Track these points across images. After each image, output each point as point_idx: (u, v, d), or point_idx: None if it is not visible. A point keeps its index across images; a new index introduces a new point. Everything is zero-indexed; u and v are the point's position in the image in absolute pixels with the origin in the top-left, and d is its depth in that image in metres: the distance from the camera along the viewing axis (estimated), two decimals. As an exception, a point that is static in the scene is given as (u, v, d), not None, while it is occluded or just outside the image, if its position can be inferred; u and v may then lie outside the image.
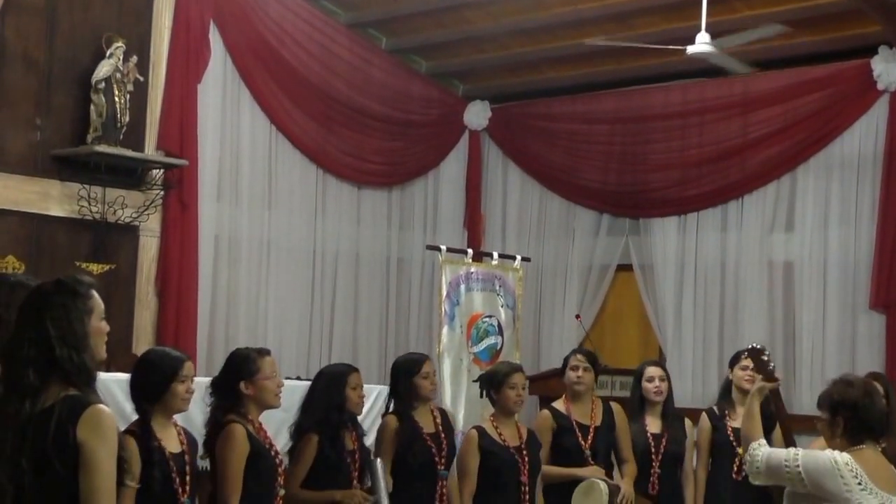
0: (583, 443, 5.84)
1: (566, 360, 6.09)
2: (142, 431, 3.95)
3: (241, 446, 4.42)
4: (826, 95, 9.16)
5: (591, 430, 5.90)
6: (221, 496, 4.31)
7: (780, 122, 9.39)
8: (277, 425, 5.40)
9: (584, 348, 6.53)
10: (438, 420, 5.48)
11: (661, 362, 6.53)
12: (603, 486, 5.65)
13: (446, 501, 5.33)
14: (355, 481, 5.07)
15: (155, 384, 4.09)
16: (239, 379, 4.57)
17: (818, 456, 3.73)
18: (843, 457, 3.68)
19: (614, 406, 6.14)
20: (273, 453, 4.59)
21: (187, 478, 4.06)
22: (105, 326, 3.00)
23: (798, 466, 3.71)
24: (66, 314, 2.88)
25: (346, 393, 5.10)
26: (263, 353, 4.71)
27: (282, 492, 4.61)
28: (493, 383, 5.60)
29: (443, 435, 5.39)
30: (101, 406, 2.83)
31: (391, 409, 5.49)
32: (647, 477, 6.07)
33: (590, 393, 6.03)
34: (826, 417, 3.79)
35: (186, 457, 4.09)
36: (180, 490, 4.02)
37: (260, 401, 4.61)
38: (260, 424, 4.68)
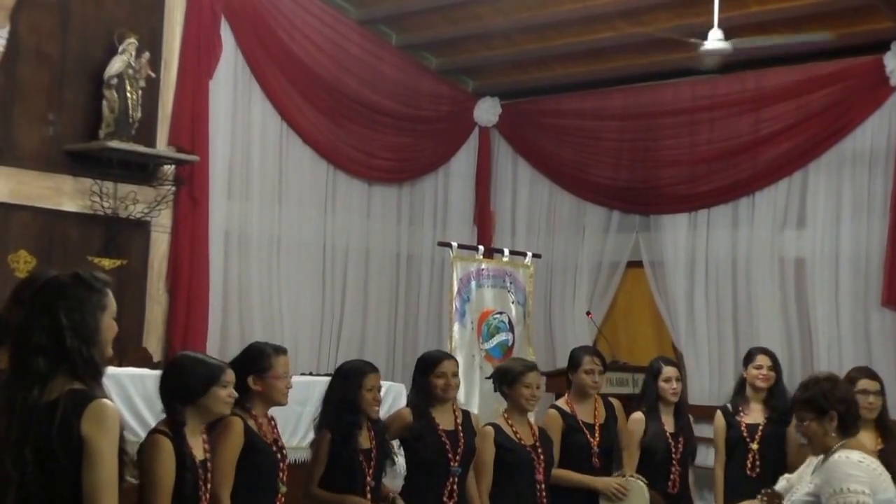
0: (592, 441, 5.82)
1: (577, 359, 5.99)
2: (175, 434, 3.88)
3: (236, 440, 4.37)
4: (838, 91, 9.14)
5: (596, 428, 5.88)
6: (213, 487, 4.29)
7: (792, 118, 9.38)
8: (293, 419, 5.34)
9: (595, 348, 6.43)
10: (459, 420, 5.41)
11: (674, 361, 6.46)
12: (641, 483, 5.65)
13: (456, 498, 5.30)
14: (369, 478, 5.03)
15: (193, 387, 3.99)
16: (249, 373, 4.56)
17: (855, 475, 3.72)
18: (855, 455, 3.75)
19: (614, 402, 6.11)
20: (275, 449, 4.53)
21: (209, 485, 4.01)
22: (115, 326, 3.00)
23: (867, 494, 3.69)
24: (81, 306, 2.89)
25: (361, 393, 5.03)
26: (279, 351, 4.65)
27: (283, 489, 4.54)
28: (505, 380, 5.57)
29: (461, 433, 5.36)
30: (106, 401, 2.83)
31: (410, 403, 5.46)
32: (666, 476, 6.03)
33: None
34: (812, 417, 3.86)
35: (209, 464, 4.05)
36: (203, 499, 3.97)
37: (266, 398, 4.56)
38: (270, 419, 4.66)
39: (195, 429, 3.99)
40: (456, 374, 5.42)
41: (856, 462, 3.73)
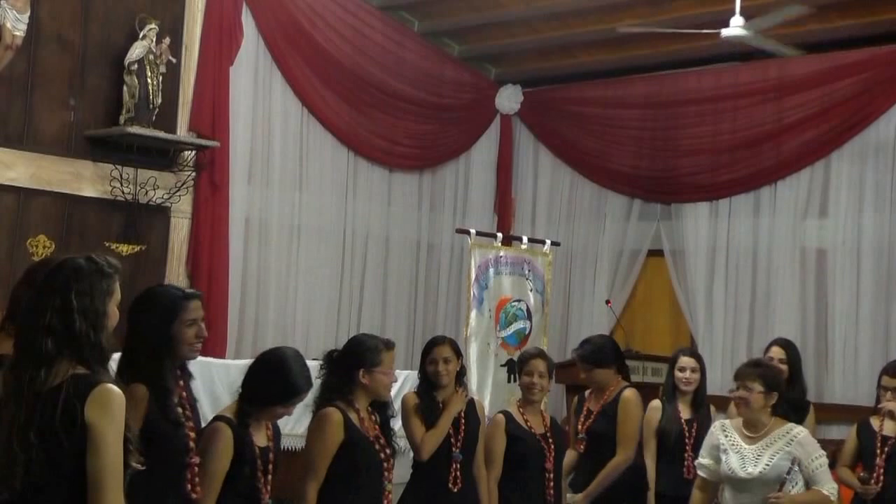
0: (579, 427, 5.78)
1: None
2: (240, 424, 3.83)
3: (333, 433, 4.32)
4: (861, 80, 9.06)
5: (593, 413, 5.79)
6: (302, 478, 4.22)
7: (815, 107, 9.30)
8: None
9: (584, 349, 6.06)
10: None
11: (696, 352, 6.38)
12: None
13: (460, 483, 5.28)
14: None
15: (275, 396, 3.95)
16: (359, 366, 4.49)
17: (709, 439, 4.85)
18: (720, 423, 4.80)
19: (626, 391, 5.93)
20: (379, 446, 4.45)
21: (269, 476, 3.93)
22: (117, 314, 2.98)
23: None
24: (91, 291, 2.87)
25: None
26: (390, 346, 4.61)
27: (389, 486, 4.48)
28: (517, 368, 5.59)
29: (462, 419, 5.33)
30: (111, 385, 2.81)
31: (415, 389, 5.45)
32: (681, 462, 6.03)
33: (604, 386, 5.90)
34: (762, 390, 4.60)
35: (271, 454, 3.99)
36: (263, 490, 3.90)
37: (372, 392, 4.51)
38: (370, 414, 4.55)
39: (259, 420, 3.95)
40: (448, 360, 5.19)
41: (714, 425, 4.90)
